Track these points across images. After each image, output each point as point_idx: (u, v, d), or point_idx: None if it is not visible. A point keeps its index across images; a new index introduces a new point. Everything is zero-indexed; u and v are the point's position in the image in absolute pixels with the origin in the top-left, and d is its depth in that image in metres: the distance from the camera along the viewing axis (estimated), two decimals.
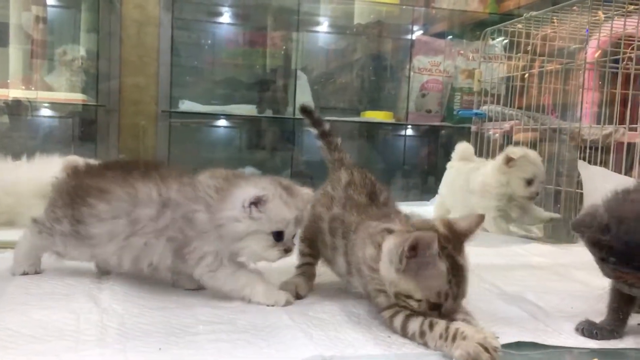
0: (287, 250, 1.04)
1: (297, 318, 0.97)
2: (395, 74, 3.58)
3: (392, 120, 3.36)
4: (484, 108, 2.28)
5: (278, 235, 1.02)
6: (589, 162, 1.88)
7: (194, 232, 1.03)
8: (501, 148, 2.17)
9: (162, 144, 3.30)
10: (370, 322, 0.97)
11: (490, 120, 2.22)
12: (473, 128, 2.36)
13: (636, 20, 1.93)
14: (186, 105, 3.36)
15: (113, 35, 3.26)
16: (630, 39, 2.02)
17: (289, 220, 1.02)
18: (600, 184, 1.66)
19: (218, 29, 3.58)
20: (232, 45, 3.60)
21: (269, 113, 3.44)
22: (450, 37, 3.42)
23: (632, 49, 2.09)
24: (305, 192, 1.09)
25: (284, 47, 3.65)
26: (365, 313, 1.01)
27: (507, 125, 2.11)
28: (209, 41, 3.63)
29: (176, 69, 3.32)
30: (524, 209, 1.93)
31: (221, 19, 3.60)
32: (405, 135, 3.53)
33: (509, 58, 2.52)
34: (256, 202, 1.00)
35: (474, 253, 1.42)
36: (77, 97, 3.26)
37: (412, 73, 3.32)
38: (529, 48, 2.36)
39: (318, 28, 3.69)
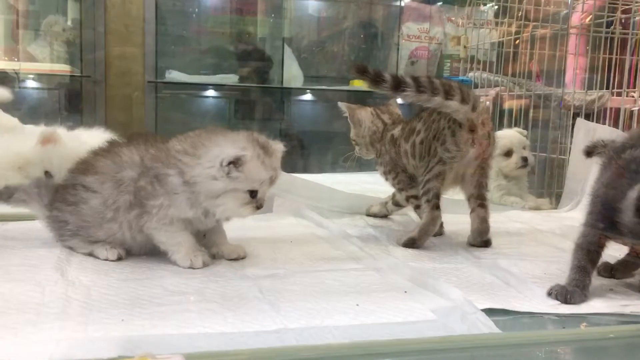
0: (259, 207, 1.06)
1: (266, 289, 0.96)
2: (385, 42, 3.53)
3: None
4: (470, 75, 2.25)
5: (253, 193, 1.03)
6: None
7: (164, 190, 1.04)
8: (491, 115, 2.14)
9: (150, 115, 3.27)
10: (342, 292, 0.96)
11: (476, 87, 2.19)
12: None
13: None
14: (173, 75, 3.32)
15: (97, 4, 3.20)
16: (615, 2, 1.99)
17: (265, 180, 1.04)
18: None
19: None
20: (220, 13, 3.54)
21: (257, 83, 3.41)
22: (440, 3, 3.37)
23: (623, 12, 2.06)
24: (279, 147, 1.09)
25: (273, 15, 3.59)
26: (338, 284, 1.00)
27: (492, 92, 2.09)
28: (196, 9, 3.56)
29: (162, 38, 3.27)
30: (520, 184, 1.89)
31: None
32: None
33: (499, 24, 2.48)
34: (235, 162, 0.99)
35: (454, 221, 1.42)
36: (63, 68, 3.22)
37: (401, 40, 3.27)
38: (520, 13, 2.32)
39: None
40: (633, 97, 1.97)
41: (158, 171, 1.04)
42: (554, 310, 0.90)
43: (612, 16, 2.07)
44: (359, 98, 3.54)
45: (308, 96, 3.62)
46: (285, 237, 1.32)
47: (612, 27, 2.04)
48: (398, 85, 1.21)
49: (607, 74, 2.08)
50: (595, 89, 2.01)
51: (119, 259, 1.09)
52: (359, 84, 3.40)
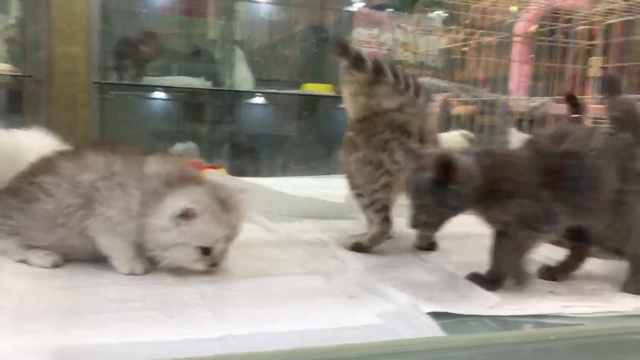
0: (213, 265, 1.01)
1: (209, 296, 0.94)
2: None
3: (332, 93, 3.33)
4: (420, 80, 2.27)
5: (205, 250, 0.99)
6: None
7: (122, 203, 1.00)
8: (440, 121, 2.17)
9: (96, 117, 3.19)
10: (288, 297, 0.95)
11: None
12: None
13: None
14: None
15: (41, 2, 3.10)
16: (557, 12, 2.05)
17: (218, 238, 0.99)
18: None
19: None
20: (168, 14, 3.49)
21: (207, 85, 3.37)
22: (390, 9, 3.41)
23: (565, 22, 2.13)
24: (243, 202, 1.05)
25: (223, 18, 3.56)
26: (284, 289, 0.99)
27: (439, 98, 2.12)
28: (144, 9, 3.50)
29: (108, 38, 3.19)
30: None
31: None
32: (345, 108, 3.51)
33: (447, 31, 2.52)
34: (184, 215, 0.96)
35: (402, 223, 1.43)
36: (4, 67, 3.11)
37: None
38: (467, 21, 2.37)
39: None
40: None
41: (123, 180, 1.00)
42: (499, 313, 0.91)
43: (555, 25, 2.13)
44: (310, 102, 3.55)
45: (259, 99, 3.61)
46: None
47: (555, 36, 2.10)
48: (379, 71, 1.18)
49: (550, 81, 2.14)
50: (538, 97, 2.06)
51: (55, 266, 1.05)
52: (311, 88, 3.41)
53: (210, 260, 1.00)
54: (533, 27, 2.20)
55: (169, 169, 1.04)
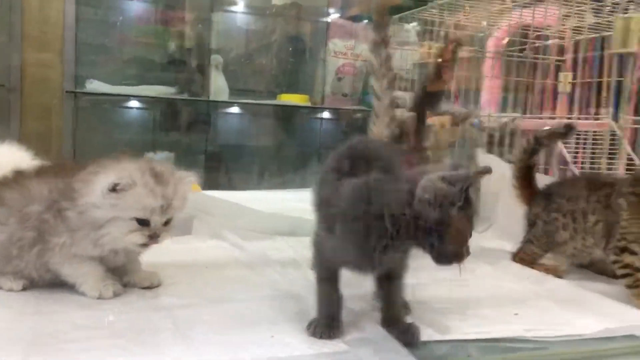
0: (153, 237, 1.00)
1: (181, 321, 0.94)
2: (313, 57, 3.56)
3: (308, 104, 3.34)
4: None
5: (142, 222, 0.99)
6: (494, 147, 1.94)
7: (65, 226, 0.99)
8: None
9: (69, 127, 3.15)
10: (257, 322, 0.95)
11: (397, 106, 2.23)
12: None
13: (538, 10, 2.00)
14: (94, 85, 3.21)
15: (13, 8, 3.06)
16: (527, 29, 2.09)
17: (153, 209, 0.99)
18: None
19: (128, 6, 3.42)
20: (144, 24, 3.46)
21: (183, 95, 3.35)
22: (366, 21, 3.43)
23: (535, 38, 2.17)
24: (186, 178, 1.05)
25: (199, 26, 3.55)
26: (254, 314, 0.99)
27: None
28: (120, 18, 3.47)
29: (82, 46, 3.16)
30: None
31: None
32: (321, 119, 3.53)
33: (422, 44, 2.54)
34: (114, 189, 0.96)
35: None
36: None
37: (328, 56, 3.31)
38: (442, 34, 2.39)
39: (234, 8, 3.61)
40: (542, 119, 2.08)
41: (60, 205, 0.99)
42: (459, 337, 0.92)
43: (526, 41, 2.17)
44: (286, 112, 3.56)
45: (235, 109, 3.60)
46: (203, 262, 1.30)
47: (525, 52, 2.14)
48: None
49: (522, 96, 2.18)
50: (509, 112, 2.10)
51: (24, 289, 1.04)
52: (286, 99, 3.42)
53: (150, 231, 1.00)
54: (506, 41, 2.24)
55: (100, 160, 1.03)
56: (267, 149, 3.47)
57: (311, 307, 0.95)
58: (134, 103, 3.44)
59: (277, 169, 3.26)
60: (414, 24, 2.92)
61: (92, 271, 1.03)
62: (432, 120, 2.38)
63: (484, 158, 1.83)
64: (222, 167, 3.29)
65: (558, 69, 2.21)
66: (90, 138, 3.21)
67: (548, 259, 1.36)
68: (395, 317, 0.92)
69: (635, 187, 1.11)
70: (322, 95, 3.38)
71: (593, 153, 1.92)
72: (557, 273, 1.26)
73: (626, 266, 1.10)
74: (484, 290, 1.15)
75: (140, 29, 3.41)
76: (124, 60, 3.35)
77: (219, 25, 3.59)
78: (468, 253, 0.83)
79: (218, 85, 3.30)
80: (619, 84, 1.89)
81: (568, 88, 2.18)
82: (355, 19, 3.43)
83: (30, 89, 3.12)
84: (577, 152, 1.98)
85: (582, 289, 1.16)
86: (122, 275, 1.09)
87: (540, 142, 1.36)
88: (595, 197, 1.20)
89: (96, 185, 0.97)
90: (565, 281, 1.22)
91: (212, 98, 3.30)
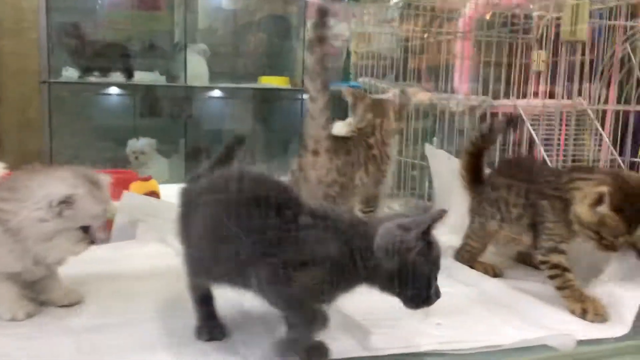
0: (92, 242, 1.01)
1: (86, 346, 0.89)
2: (292, 38, 3.49)
3: (288, 86, 3.29)
4: (360, 80, 2.23)
5: (86, 229, 0.99)
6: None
7: None
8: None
9: (45, 117, 3.12)
10: (166, 346, 0.89)
11: (366, 92, 2.18)
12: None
13: None
14: (70, 73, 3.17)
15: None
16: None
17: (98, 214, 1.00)
18: (443, 167, 1.67)
19: None
20: (121, 9, 3.40)
21: (161, 80, 3.31)
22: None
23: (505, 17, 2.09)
24: (106, 179, 1.05)
25: (175, 10, 3.48)
26: (163, 334, 0.93)
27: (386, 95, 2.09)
28: (99, 2, 3.41)
29: (55, 35, 3.11)
30: None
31: None
32: (302, 100, 3.46)
33: (404, 21, 2.47)
34: (66, 201, 0.94)
35: None
36: None
37: (307, 36, 3.23)
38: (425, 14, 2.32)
39: None
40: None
41: None
42: (384, 352, 0.88)
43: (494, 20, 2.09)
44: (267, 95, 3.50)
45: (215, 92, 3.55)
46: (137, 272, 1.24)
47: (492, 30, 2.06)
48: None
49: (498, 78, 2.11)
50: (479, 95, 2.03)
51: None
52: (266, 81, 3.36)
53: (90, 238, 1.00)
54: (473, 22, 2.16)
55: (17, 174, 1.02)
56: (248, 132, 3.42)
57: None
58: (113, 89, 3.40)
59: (257, 155, 3.21)
60: (396, 0, 2.84)
61: (7, 292, 1.00)
62: (419, 96, 2.32)
63: (433, 153, 1.78)
64: (202, 152, 3.25)
65: (529, 48, 2.14)
66: (68, 127, 3.19)
67: (494, 254, 1.33)
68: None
69: (560, 192, 1.06)
70: (303, 77, 3.31)
71: (576, 135, 1.87)
72: (494, 272, 1.22)
73: (555, 266, 1.06)
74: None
75: (117, 14, 3.36)
76: (100, 46, 3.28)
77: (202, 7, 3.53)
78: (438, 296, 0.82)
79: (197, 70, 3.25)
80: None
81: (542, 67, 2.11)
82: None
83: (6, 79, 3.10)
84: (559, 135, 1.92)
85: (516, 290, 1.11)
86: (40, 293, 1.05)
87: (484, 137, 1.31)
88: (517, 189, 1.15)
89: (41, 199, 0.94)
90: (502, 282, 1.18)
91: (190, 83, 3.25)
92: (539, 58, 2.12)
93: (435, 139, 2.01)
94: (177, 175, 3.11)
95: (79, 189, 0.96)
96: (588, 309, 1.01)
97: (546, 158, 1.72)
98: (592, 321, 1.00)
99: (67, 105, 3.20)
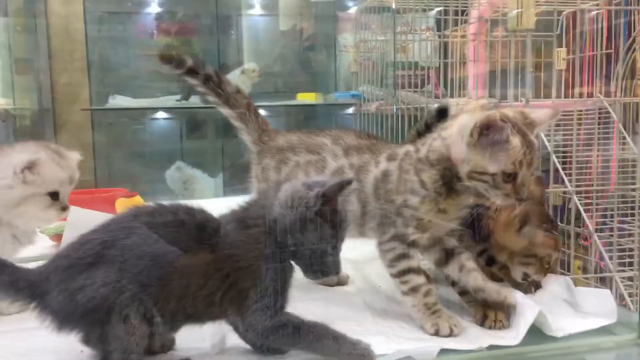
0: (64, 208, 1.08)
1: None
2: (324, 53, 3.47)
3: (320, 102, 3.26)
4: (361, 89, 2.17)
5: (54, 195, 1.06)
6: None
7: None
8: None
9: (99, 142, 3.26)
10: None
11: (366, 100, 2.11)
12: (352, 110, 2.26)
13: None
14: (117, 100, 3.30)
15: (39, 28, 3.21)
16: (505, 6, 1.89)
17: (64, 180, 1.06)
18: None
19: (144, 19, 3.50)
20: (162, 35, 3.51)
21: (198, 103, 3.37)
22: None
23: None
24: (75, 155, 1.12)
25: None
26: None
27: (373, 107, 2.01)
28: (137, 31, 3.54)
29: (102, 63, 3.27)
30: None
31: (148, 9, 3.52)
32: (335, 115, 3.41)
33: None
34: (29, 166, 1.02)
35: None
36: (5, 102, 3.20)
37: (338, 51, 3.20)
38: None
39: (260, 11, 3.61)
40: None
41: None
42: None
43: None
44: (302, 112, 3.47)
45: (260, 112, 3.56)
46: None
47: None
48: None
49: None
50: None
51: None
52: (303, 97, 3.34)
53: (60, 205, 1.06)
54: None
55: None
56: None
57: None
58: (159, 114, 3.51)
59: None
60: (435, 10, 2.74)
61: None
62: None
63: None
64: (242, 171, 3.27)
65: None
66: (117, 151, 3.33)
67: None
68: None
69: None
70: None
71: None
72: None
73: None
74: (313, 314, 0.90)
75: (157, 42, 3.47)
76: (144, 73, 3.41)
77: (247, 30, 3.59)
78: (337, 270, 0.82)
79: None
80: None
81: (562, 65, 1.96)
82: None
83: (60, 109, 3.28)
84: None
85: None
86: None
87: (428, 126, 1.23)
88: None
89: (6, 167, 1.01)
90: None
91: None
92: (559, 56, 1.97)
93: None
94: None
95: (40, 154, 1.03)
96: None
97: (559, 166, 1.57)
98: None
99: (115, 131, 3.34)
